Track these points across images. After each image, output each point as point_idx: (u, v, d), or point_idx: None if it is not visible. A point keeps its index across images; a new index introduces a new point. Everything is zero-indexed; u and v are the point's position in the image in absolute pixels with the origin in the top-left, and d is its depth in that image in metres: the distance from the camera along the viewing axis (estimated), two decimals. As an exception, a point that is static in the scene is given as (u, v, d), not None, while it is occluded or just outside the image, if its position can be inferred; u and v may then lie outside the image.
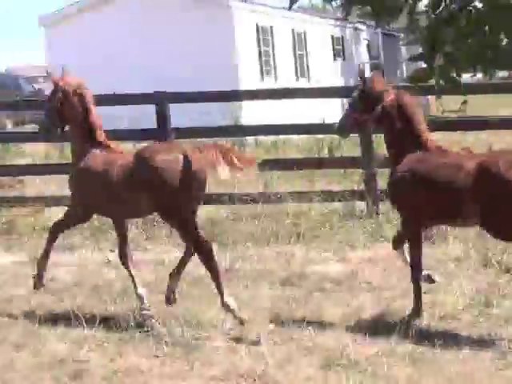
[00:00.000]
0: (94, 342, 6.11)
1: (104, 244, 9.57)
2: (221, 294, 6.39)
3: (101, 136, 6.89)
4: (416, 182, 6.23)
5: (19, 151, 16.88)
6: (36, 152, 16.98)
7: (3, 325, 6.63)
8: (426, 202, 6.21)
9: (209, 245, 6.49)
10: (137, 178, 6.42)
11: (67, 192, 7.18)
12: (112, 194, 6.62)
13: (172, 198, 6.35)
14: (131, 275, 6.94)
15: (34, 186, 13.41)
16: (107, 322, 6.53)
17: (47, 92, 29.36)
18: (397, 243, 6.66)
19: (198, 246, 6.48)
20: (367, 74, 6.79)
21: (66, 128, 7.14)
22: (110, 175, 6.58)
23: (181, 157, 6.33)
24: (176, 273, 6.82)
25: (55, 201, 10.46)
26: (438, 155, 6.28)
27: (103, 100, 12.07)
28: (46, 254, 7.04)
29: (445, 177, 6.09)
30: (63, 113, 6.96)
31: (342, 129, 6.76)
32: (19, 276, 7.85)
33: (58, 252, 8.86)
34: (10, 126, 23.98)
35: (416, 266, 6.40)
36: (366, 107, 6.48)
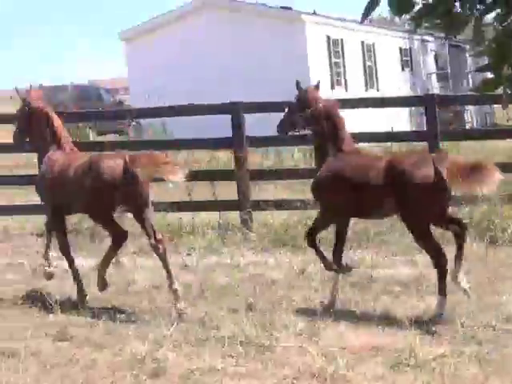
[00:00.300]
0: (171, 342, 6.28)
1: (182, 248, 9.83)
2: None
3: (63, 142, 8.01)
4: (336, 180, 7.12)
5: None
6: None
7: (85, 325, 6.91)
8: (345, 197, 7.08)
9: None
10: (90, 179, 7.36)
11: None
12: (73, 191, 7.55)
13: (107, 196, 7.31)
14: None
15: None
16: (184, 322, 6.77)
17: (127, 103, 29.33)
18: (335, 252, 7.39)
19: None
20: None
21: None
22: (69, 175, 7.61)
23: (121, 161, 7.26)
24: None
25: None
26: (354, 156, 7.25)
27: (180, 110, 12.49)
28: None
29: (360, 175, 6.99)
30: (30, 123, 8.15)
31: (281, 128, 7.83)
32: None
33: (139, 255, 9.18)
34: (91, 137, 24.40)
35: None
36: (299, 111, 7.53)
